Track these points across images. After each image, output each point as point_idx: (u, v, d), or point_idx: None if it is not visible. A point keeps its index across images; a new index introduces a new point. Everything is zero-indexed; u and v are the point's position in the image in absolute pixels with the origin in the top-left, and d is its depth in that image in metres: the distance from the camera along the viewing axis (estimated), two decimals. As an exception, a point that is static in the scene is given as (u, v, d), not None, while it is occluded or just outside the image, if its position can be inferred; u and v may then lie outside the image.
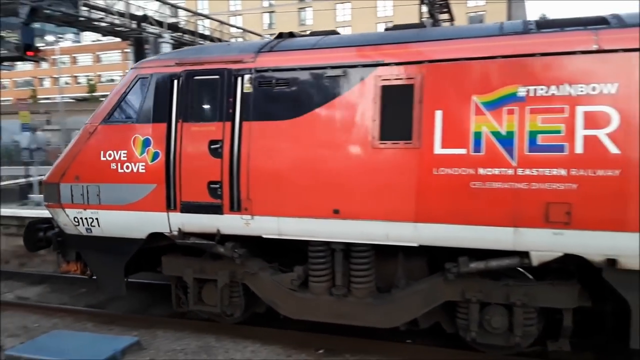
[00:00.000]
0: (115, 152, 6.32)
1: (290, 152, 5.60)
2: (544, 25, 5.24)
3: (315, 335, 6.17)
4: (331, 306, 5.82)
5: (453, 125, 5.08)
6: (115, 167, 6.31)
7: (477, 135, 4.99)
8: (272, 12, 66.56)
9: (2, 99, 53.93)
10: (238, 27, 37.97)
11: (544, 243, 4.87)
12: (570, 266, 5.14)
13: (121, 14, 23.59)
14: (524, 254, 5.00)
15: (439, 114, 5.12)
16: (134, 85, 6.37)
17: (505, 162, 4.90)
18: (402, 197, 5.20)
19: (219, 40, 28.39)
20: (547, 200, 4.78)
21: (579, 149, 4.70)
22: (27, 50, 16.27)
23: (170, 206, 6.08)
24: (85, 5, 22.47)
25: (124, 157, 6.27)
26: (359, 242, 5.57)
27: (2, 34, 20.37)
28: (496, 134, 4.94)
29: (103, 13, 23.45)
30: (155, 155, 6.14)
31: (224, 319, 6.48)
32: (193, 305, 6.42)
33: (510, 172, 4.89)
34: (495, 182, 4.93)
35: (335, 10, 64.10)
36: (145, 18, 24.11)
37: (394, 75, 5.32)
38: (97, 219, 6.48)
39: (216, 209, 5.88)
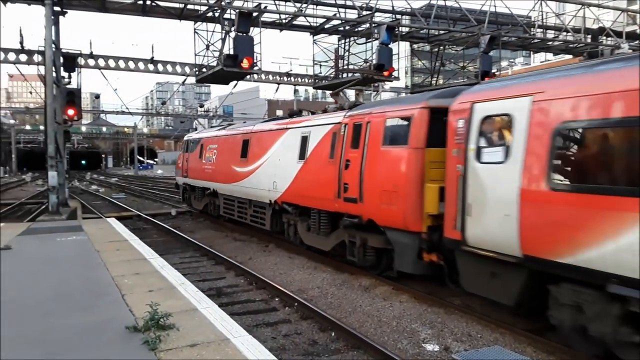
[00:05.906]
0: (180, 161, 23.07)
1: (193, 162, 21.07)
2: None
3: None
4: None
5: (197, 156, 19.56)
6: (180, 165, 23.01)
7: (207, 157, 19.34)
8: None
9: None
10: None
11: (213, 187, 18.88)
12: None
13: (576, 30, 23.10)
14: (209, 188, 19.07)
15: (203, 152, 19.69)
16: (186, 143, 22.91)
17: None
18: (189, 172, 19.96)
19: None
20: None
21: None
22: (485, 76, 18.92)
23: (182, 175, 22.35)
24: (540, 26, 23.20)
25: (180, 163, 22.95)
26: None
27: (463, 65, 24.18)
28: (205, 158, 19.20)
29: (557, 32, 23.34)
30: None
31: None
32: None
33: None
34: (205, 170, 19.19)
35: None
36: (602, 31, 23.14)
37: (197, 140, 20.11)
38: (179, 179, 23.39)
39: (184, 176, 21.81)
